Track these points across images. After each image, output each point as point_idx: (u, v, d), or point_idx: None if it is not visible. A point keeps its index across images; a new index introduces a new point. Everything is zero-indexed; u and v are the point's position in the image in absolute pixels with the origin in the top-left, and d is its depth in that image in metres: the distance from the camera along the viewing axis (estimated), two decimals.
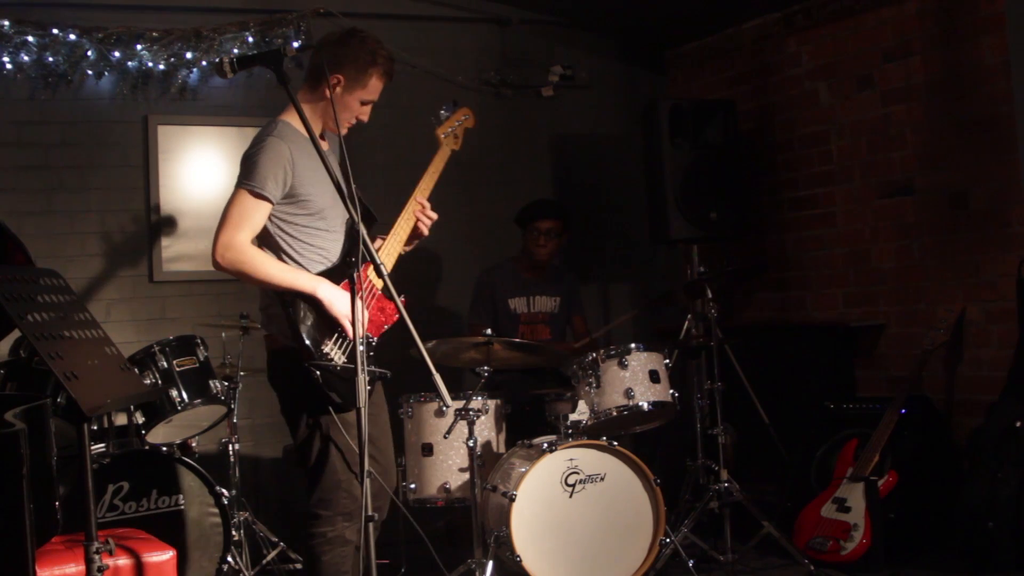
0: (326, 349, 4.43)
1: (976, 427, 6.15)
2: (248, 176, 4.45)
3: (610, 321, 7.83)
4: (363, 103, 4.67)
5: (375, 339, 4.60)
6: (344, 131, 4.64)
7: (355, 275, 4.02)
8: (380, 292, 4.67)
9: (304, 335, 4.39)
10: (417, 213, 4.81)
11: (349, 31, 4.70)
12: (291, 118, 4.54)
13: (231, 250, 4.38)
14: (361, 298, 4.19)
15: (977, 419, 6.21)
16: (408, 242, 4.85)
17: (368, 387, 4.36)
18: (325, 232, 4.60)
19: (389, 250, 4.74)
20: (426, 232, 4.86)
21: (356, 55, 4.59)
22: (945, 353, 6.55)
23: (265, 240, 4.59)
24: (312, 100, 4.63)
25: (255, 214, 4.44)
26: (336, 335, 4.48)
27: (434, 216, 4.85)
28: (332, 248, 4.62)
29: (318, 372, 4.37)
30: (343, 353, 4.47)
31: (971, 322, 6.47)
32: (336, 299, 4.44)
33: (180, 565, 4.47)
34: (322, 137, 4.68)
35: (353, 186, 4.45)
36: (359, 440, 3.94)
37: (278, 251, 4.56)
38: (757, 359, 6.96)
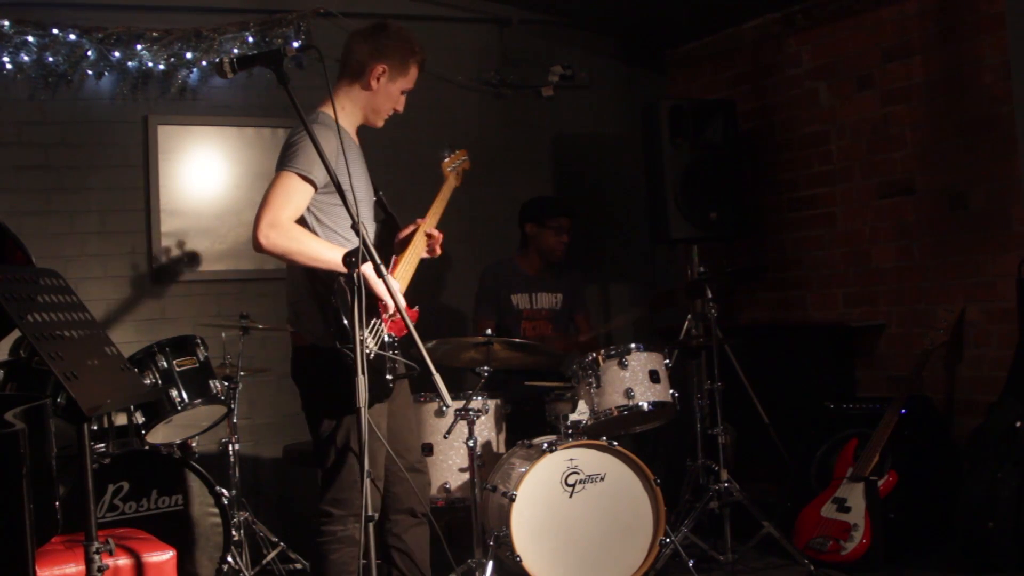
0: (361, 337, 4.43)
1: (976, 427, 6.14)
2: (293, 159, 4.47)
3: (610, 321, 7.83)
4: (402, 92, 4.78)
5: (398, 339, 4.60)
6: (382, 123, 4.84)
7: (356, 275, 4.02)
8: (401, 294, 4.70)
9: (343, 317, 4.34)
10: (428, 244, 4.91)
11: (382, 23, 4.80)
12: (329, 110, 4.55)
13: (276, 228, 4.40)
14: (361, 295, 4.20)
15: (977, 419, 6.21)
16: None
17: (391, 384, 4.41)
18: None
19: (401, 274, 4.79)
20: (435, 255, 4.96)
21: (397, 45, 4.71)
22: (945, 353, 6.55)
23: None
24: (353, 93, 4.74)
25: (298, 196, 4.47)
26: (372, 323, 4.49)
27: (440, 236, 4.93)
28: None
29: (351, 359, 4.33)
30: (375, 343, 4.47)
31: (971, 322, 6.47)
32: (376, 276, 4.47)
33: (180, 565, 4.46)
34: (357, 133, 4.82)
35: (380, 192, 4.73)
36: (359, 441, 3.94)
37: None
38: (757, 359, 6.95)
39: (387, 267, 4.59)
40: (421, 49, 4.77)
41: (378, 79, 4.67)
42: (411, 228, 4.92)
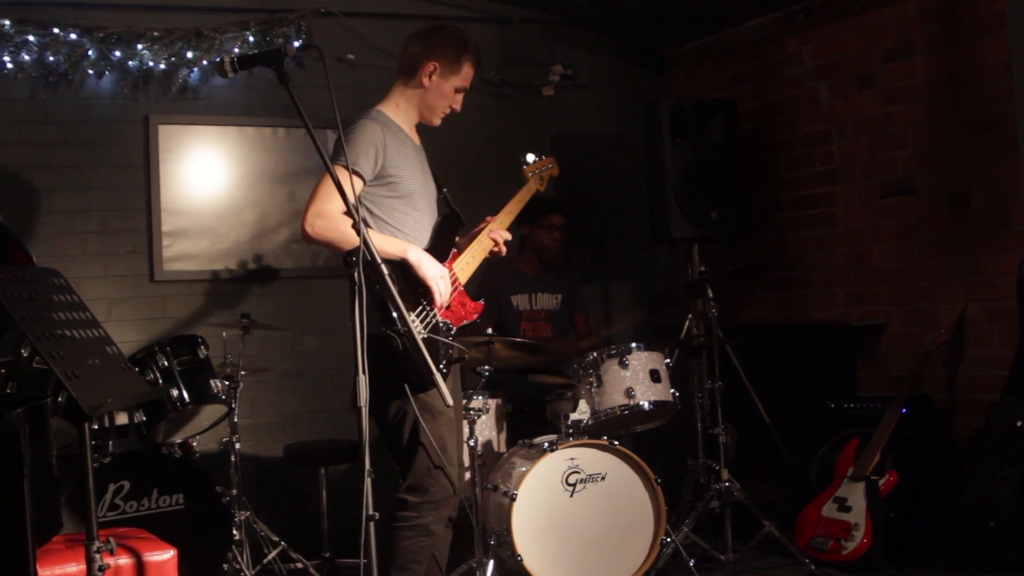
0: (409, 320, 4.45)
1: (977, 427, 6.15)
2: (343, 153, 4.51)
3: (611, 321, 7.83)
4: (457, 90, 4.87)
5: (455, 328, 4.70)
6: (438, 120, 4.94)
7: (358, 273, 4.02)
8: (462, 287, 4.85)
9: (390, 304, 4.35)
10: (494, 246, 5.07)
11: (436, 25, 4.95)
12: (385, 108, 4.77)
13: (322, 218, 4.50)
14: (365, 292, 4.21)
15: (978, 419, 6.21)
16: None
17: (444, 370, 4.50)
18: (413, 216, 4.75)
19: (461, 267, 4.91)
20: (503, 253, 5.13)
21: (450, 43, 4.83)
22: (946, 353, 6.55)
23: None
24: (408, 92, 4.86)
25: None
26: (420, 308, 4.56)
27: (508, 236, 5.13)
28: (419, 232, 4.76)
29: (399, 341, 4.34)
30: (425, 328, 4.51)
31: (972, 321, 6.47)
32: (425, 260, 4.59)
33: (181, 564, 4.45)
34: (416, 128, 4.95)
35: (444, 190, 4.89)
36: (360, 439, 3.93)
37: None
38: (758, 358, 6.95)
39: (444, 260, 4.75)
40: (475, 48, 4.89)
41: (430, 76, 4.79)
42: (482, 226, 5.08)
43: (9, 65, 6.59)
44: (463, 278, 4.86)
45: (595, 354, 5.97)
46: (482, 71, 7.85)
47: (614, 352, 5.94)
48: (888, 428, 6.13)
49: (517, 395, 6.34)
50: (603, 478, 5.64)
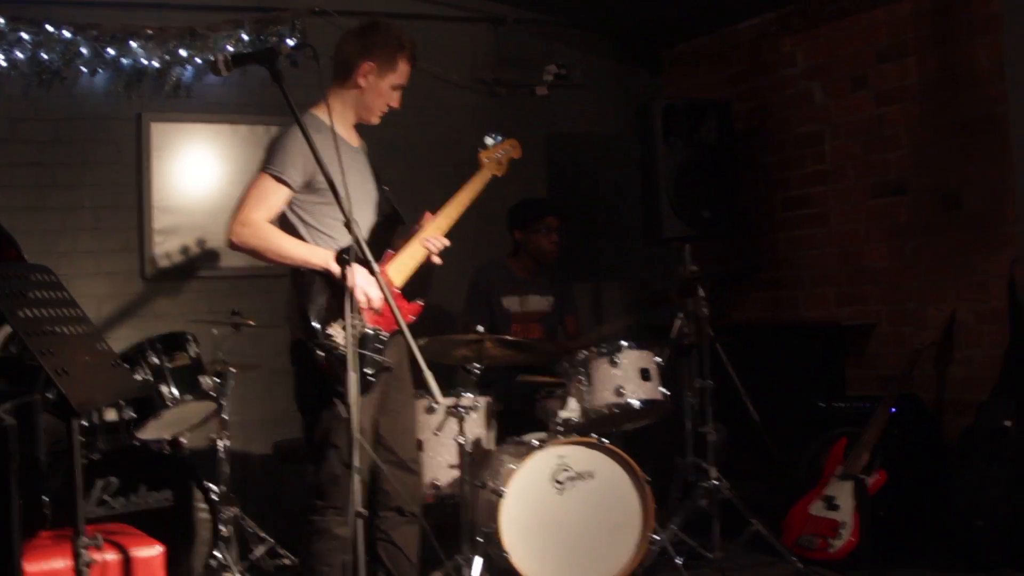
0: (331, 331, 4.47)
1: (966, 426, 6.16)
2: (271, 161, 4.59)
3: (602, 320, 7.84)
4: (394, 88, 4.82)
5: (387, 334, 4.66)
6: (377, 120, 4.88)
7: (346, 270, 4.05)
8: (397, 291, 4.76)
9: (311, 315, 4.46)
10: (430, 249, 4.90)
11: (372, 22, 4.86)
12: (319, 111, 4.70)
13: (246, 226, 4.52)
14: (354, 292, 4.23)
15: (967, 418, 6.22)
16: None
17: (373, 379, 4.42)
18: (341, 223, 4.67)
19: (396, 269, 4.81)
20: (438, 261, 4.96)
21: (384, 41, 4.77)
22: (936, 353, 6.57)
23: (284, 227, 4.70)
24: (343, 92, 4.80)
25: (273, 197, 4.58)
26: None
27: (440, 245, 4.93)
28: (347, 239, 4.67)
29: (322, 355, 4.41)
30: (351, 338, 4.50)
31: (962, 322, 6.48)
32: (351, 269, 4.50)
33: (169, 560, 4.46)
34: (352, 133, 4.87)
35: (385, 187, 4.80)
36: (350, 434, 3.95)
37: (296, 237, 4.66)
38: (748, 358, 6.94)
39: (379, 262, 4.59)
40: (411, 44, 4.82)
41: (366, 77, 4.73)
42: (419, 224, 4.97)
43: (2, 62, 6.59)
44: (399, 281, 4.79)
45: (585, 352, 5.97)
46: (476, 70, 7.95)
47: (604, 350, 5.94)
48: (877, 427, 6.14)
49: (507, 393, 6.34)
50: (592, 476, 5.65)
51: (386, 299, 4.20)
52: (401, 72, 4.81)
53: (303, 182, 4.60)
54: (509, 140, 5.44)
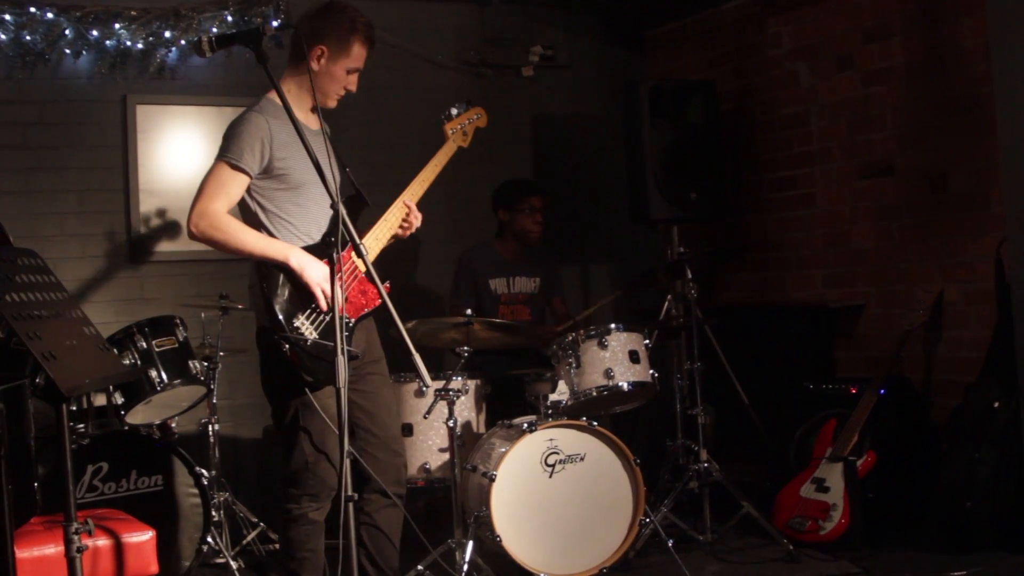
0: (297, 323, 4.45)
1: (954, 408, 6.17)
2: (226, 149, 4.54)
3: (591, 302, 7.83)
4: (349, 71, 4.72)
5: (352, 320, 4.61)
6: (333, 103, 4.77)
7: (335, 255, 4.03)
8: (363, 275, 4.67)
9: (276, 307, 4.44)
10: (403, 220, 4.85)
11: (326, 4, 4.76)
12: (275, 95, 4.56)
13: (205, 217, 4.46)
14: (340, 278, 4.19)
15: (955, 400, 6.23)
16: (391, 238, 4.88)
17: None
18: (303, 208, 4.65)
19: (372, 242, 4.76)
20: (406, 235, 4.91)
21: (337, 24, 4.67)
22: (924, 334, 6.58)
23: (245, 214, 4.67)
24: (298, 76, 4.70)
25: (231, 185, 4.52)
26: (309, 310, 4.50)
27: (418, 218, 4.88)
28: (310, 226, 4.66)
29: (287, 346, 4.40)
30: (316, 329, 4.48)
31: (950, 303, 6.49)
32: (308, 265, 4.48)
33: (160, 545, 4.45)
34: (313, 111, 4.70)
35: (347, 168, 4.56)
36: (339, 421, 3.94)
37: (258, 227, 4.63)
38: (737, 339, 6.96)
39: (344, 247, 4.49)
40: (365, 27, 4.72)
41: (318, 60, 4.64)
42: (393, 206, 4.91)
43: None
44: (362, 266, 4.58)
45: (574, 335, 5.96)
46: (462, 51, 7.92)
47: (593, 333, 5.94)
48: (866, 409, 6.15)
49: (497, 376, 6.33)
50: (582, 459, 5.64)
51: (373, 280, 4.18)
52: (355, 56, 4.70)
53: (260, 168, 4.55)
54: (474, 108, 5.41)
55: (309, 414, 4.51)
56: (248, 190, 4.59)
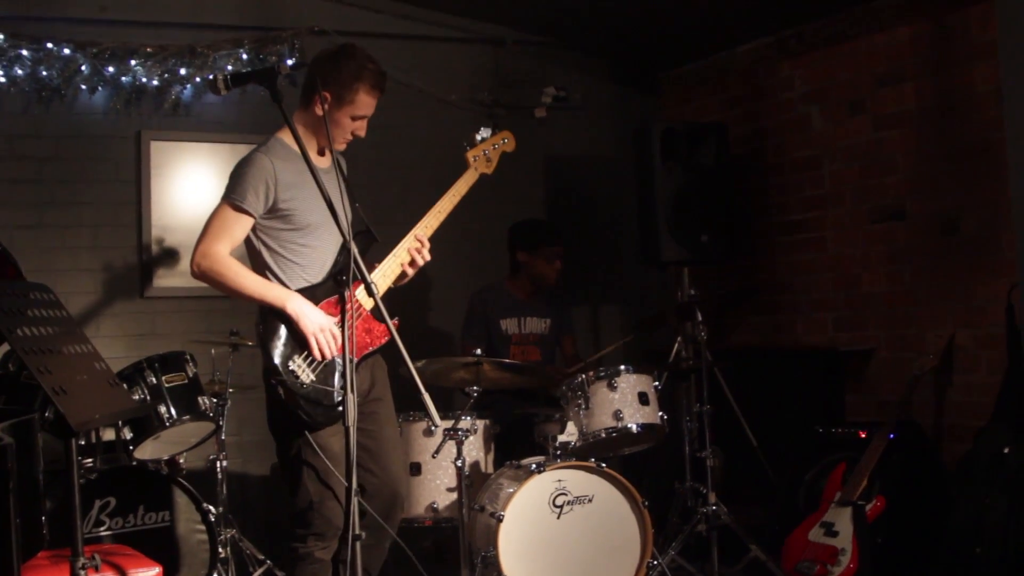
0: (292, 366, 4.45)
1: (964, 453, 6.14)
2: (231, 190, 4.58)
3: (601, 342, 7.82)
4: (354, 118, 4.71)
5: (356, 360, 4.58)
6: (342, 146, 4.78)
7: (345, 293, 4.04)
8: (368, 312, 4.68)
9: (272, 350, 4.44)
10: (412, 252, 4.83)
11: (340, 47, 4.75)
12: (285, 135, 4.64)
13: (207, 259, 4.50)
14: (349, 317, 4.20)
15: (966, 444, 6.20)
16: (399, 279, 4.87)
17: (341, 409, 4.40)
18: (310, 249, 4.66)
19: (380, 279, 4.75)
20: (411, 272, 4.87)
21: (341, 71, 4.63)
22: (934, 378, 6.56)
23: (251, 253, 4.70)
24: (307, 118, 4.71)
25: (235, 226, 4.56)
26: (307, 353, 4.50)
27: (427, 258, 4.86)
28: (316, 266, 4.68)
29: (281, 390, 4.41)
30: (312, 372, 4.49)
31: (961, 348, 6.48)
32: (305, 314, 4.49)
33: None
34: (321, 154, 4.74)
35: (356, 204, 4.58)
36: (347, 460, 3.94)
37: (263, 267, 4.65)
38: (746, 382, 6.95)
39: (354, 281, 4.48)
40: (374, 75, 4.67)
41: (321, 106, 4.58)
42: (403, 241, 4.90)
43: (2, 79, 6.61)
44: (367, 304, 4.67)
45: (583, 376, 5.95)
46: (475, 92, 7.95)
47: (603, 374, 5.93)
48: (876, 453, 6.12)
49: (505, 416, 6.32)
50: (590, 500, 5.63)
51: (382, 317, 4.18)
52: (360, 104, 4.67)
53: (264, 209, 4.57)
54: (502, 132, 5.36)
55: (311, 452, 4.51)
56: (254, 230, 4.62)
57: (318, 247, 4.65)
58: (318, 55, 4.79)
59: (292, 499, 4.63)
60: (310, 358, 4.50)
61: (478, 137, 5.27)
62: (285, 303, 4.48)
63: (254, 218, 4.57)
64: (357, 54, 4.70)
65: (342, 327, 4.16)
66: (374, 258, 4.79)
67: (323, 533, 4.57)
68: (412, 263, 4.84)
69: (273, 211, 4.58)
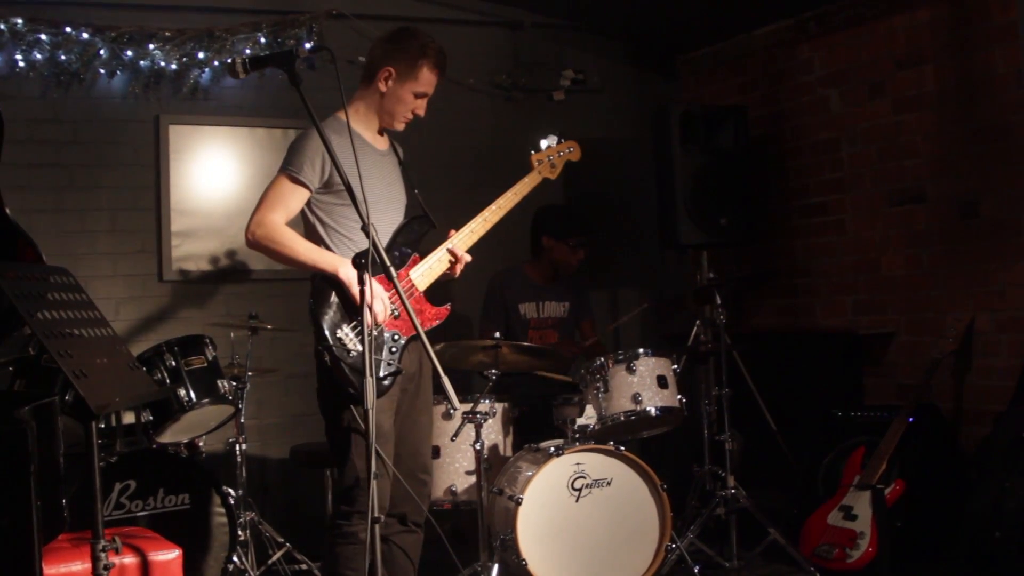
0: (340, 335, 4.46)
1: (984, 436, 6.14)
2: (289, 162, 4.65)
3: (617, 319, 7.81)
4: (417, 95, 4.84)
5: (405, 338, 4.65)
6: (401, 126, 4.91)
7: (365, 276, 4.04)
8: (419, 294, 4.78)
9: (321, 318, 4.46)
10: (450, 265, 4.94)
11: (400, 29, 4.91)
12: (342, 113, 4.69)
13: (262, 227, 4.57)
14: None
15: (985, 428, 6.20)
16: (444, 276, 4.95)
17: (387, 383, 4.41)
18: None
19: (422, 275, 4.83)
20: (457, 272, 5.00)
21: (406, 48, 4.79)
22: (954, 362, 6.54)
23: (306, 227, 4.77)
24: (368, 96, 4.84)
25: (290, 197, 4.63)
26: (355, 323, 4.52)
27: (467, 259, 4.98)
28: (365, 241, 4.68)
29: (327, 356, 4.42)
30: (360, 342, 4.48)
31: (980, 331, 6.45)
32: (356, 280, 4.47)
33: (186, 564, 4.46)
34: (381, 134, 4.90)
35: (416, 191, 4.80)
36: (367, 441, 3.94)
37: (318, 241, 4.72)
38: (765, 365, 6.95)
39: (403, 265, 4.70)
40: (436, 53, 4.83)
41: (385, 81, 4.76)
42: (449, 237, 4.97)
43: (21, 63, 6.61)
44: (421, 285, 4.81)
45: (602, 359, 5.95)
46: (493, 75, 7.94)
47: (621, 357, 5.94)
48: (895, 437, 6.12)
49: (524, 399, 6.32)
50: (609, 483, 5.63)
51: (404, 306, 4.20)
52: (423, 80, 4.82)
53: (321, 183, 4.64)
54: (568, 142, 5.51)
55: (359, 429, 4.51)
56: (309, 204, 4.69)
57: (372, 223, 4.68)
58: (379, 37, 4.91)
59: (340, 476, 4.64)
60: (359, 328, 4.51)
61: (543, 144, 5.43)
62: (338, 268, 4.54)
63: (310, 191, 4.64)
64: (419, 34, 4.86)
65: (362, 310, 4.15)
66: (430, 244, 4.88)
67: (367, 512, 4.56)
68: (453, 267, 4.96)
69: (328, 186, 4.65)
